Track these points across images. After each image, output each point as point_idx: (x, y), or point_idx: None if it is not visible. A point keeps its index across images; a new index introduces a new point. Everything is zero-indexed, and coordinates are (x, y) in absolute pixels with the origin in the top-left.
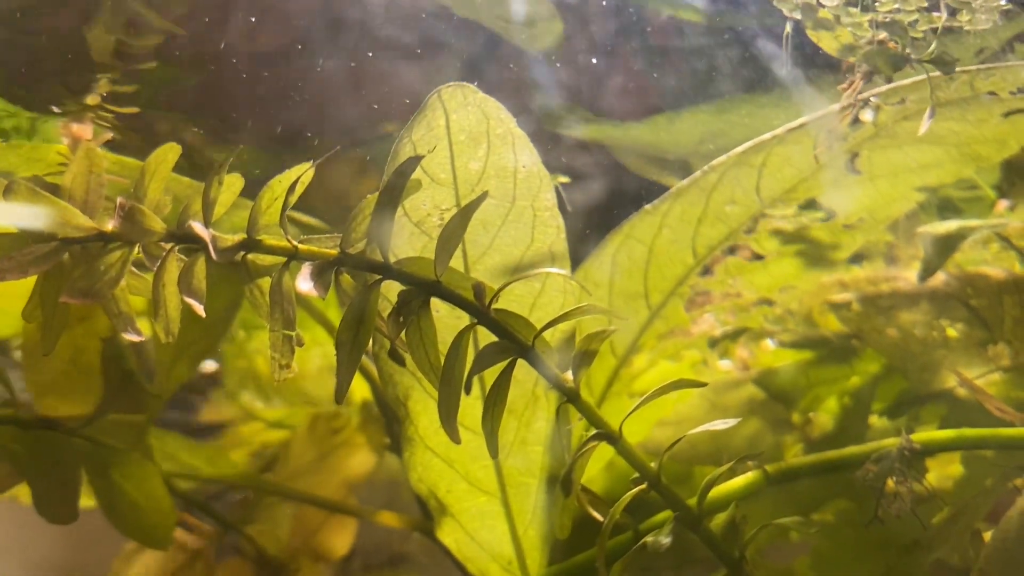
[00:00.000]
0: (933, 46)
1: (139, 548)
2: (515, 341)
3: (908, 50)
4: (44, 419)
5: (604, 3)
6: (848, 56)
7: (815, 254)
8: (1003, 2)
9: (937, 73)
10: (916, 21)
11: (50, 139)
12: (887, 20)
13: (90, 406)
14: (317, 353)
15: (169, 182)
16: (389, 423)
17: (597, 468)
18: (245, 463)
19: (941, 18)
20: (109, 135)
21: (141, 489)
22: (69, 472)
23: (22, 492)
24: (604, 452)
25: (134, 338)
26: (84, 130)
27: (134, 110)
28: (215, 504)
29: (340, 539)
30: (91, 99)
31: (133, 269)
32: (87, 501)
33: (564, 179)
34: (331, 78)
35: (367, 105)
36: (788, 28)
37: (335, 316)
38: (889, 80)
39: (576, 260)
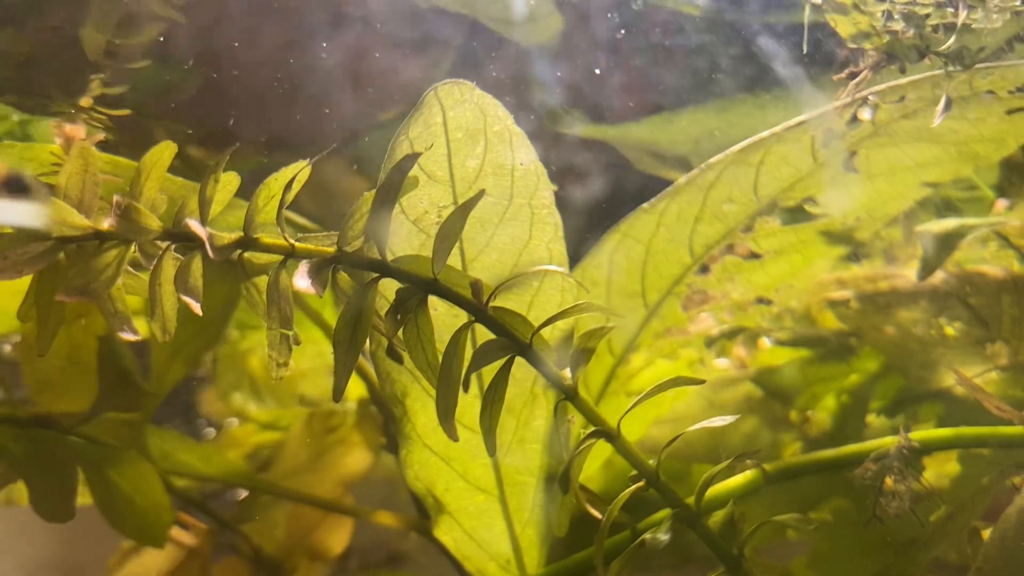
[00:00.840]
0: (952, 39)
1: (135, 546)
2: (513, 339)
3: (927, 43)
4: (40, 417)
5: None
6: (863, 42)
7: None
8: (1019, 3)
9: (949, 67)
10: (928, 15)
11: (42, 139)
12: (905, 12)
13: (87, 403)
14: (312, 352)
15: (163, 182)
16: (385, 422)
17: (594, 467)
18: (240, 464)
19: (961, 14)
20: (102, 135)
21: (137, 487)
22: (65, 470)
23: (18, 492)
24: (601, 451)
25: (130, 337)
26: (77, 130)
27: (126, 112)
28: (212, 502)
29: (336, 538)
30: (84, 101)
31: (129, 268)
32: (83, 499)
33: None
34: (321, 75)
35: (357, 102)
36: (807, 10)
37: (330, 315)
38: (903, 71)
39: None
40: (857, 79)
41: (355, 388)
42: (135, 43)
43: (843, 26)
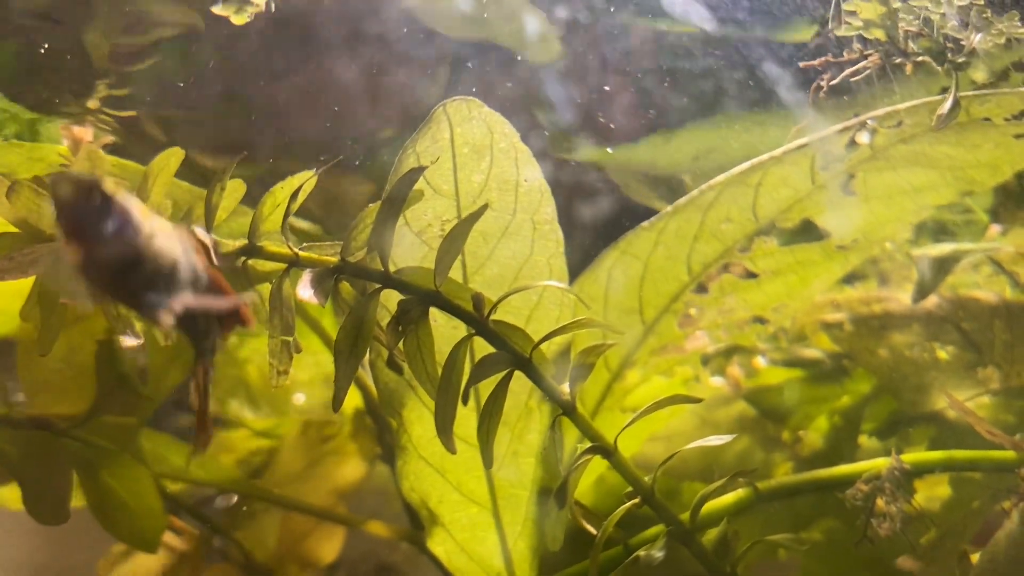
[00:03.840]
0: (967, 48)
1: (126, 550)
2: (513, 353)
3: (939, 48)
4: (36, 419)
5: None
6: (876, 31)
7: None
8: (1021, 28)
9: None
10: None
11: (51, 140)
12: (924, 16)
13: (83, 406)
14: (310, 362)
15: (170, 187)
16: (381, 432)
17: (587, 483)
18: (234, 469)
19: (973, 37)
20: (110, 138)
21: (131, 491)
22: (60, 473)
23: (5, 494)
24: (594, 467)
25: (132, 341)
26: (85, 132)
27: (132, 114)
28: (204, 508)
29: (328, 547)
30: (91, 103)
31: None
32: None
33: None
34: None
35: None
36: None
37: (329, 324)
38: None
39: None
40: (853, 69)
41: (351, 398)
42: (140, 44)
43: (867, 12)
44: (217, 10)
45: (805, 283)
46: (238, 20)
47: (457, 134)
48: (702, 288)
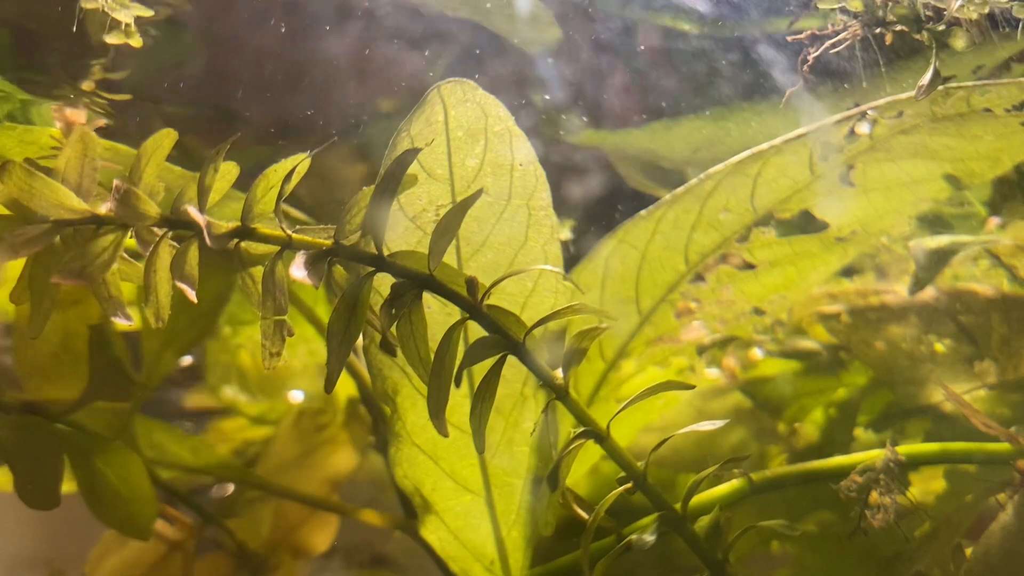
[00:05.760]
0: (947, 17)
1: (118, 538)
2: (506, 337)
3: (917, 15)
4: (28, 404)
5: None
6: (854, 1)
7: None
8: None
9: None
10: None
11: (44, 122)
12: None
13: (77, 392)
14: (303, 351)
15: (161, 170)
16: (375, 421)
17: (581, 472)
18: (228, 458)
19: (952, 3)
20: (103, 121)
21: (123, 478)
22: (52, 458)
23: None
24: (589, 456)
25: (123, 323)
26: (78, 115)
27: (127, 97)
28: (197, 497)
29: (321, 536)
30: (86, 84)
31: (124, 255)
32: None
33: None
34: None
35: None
36: None
37: (323, 312)
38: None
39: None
40: (834, 40)
41: (345, 387)
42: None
43: None
44: (110, 39)
45: (803, 275)
46: (135, 43)
47: (451, 117)
48: (699, 279)
